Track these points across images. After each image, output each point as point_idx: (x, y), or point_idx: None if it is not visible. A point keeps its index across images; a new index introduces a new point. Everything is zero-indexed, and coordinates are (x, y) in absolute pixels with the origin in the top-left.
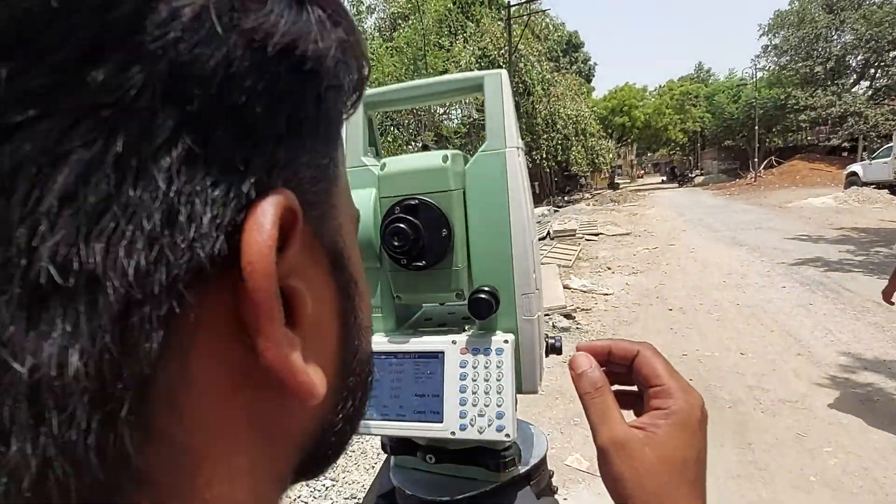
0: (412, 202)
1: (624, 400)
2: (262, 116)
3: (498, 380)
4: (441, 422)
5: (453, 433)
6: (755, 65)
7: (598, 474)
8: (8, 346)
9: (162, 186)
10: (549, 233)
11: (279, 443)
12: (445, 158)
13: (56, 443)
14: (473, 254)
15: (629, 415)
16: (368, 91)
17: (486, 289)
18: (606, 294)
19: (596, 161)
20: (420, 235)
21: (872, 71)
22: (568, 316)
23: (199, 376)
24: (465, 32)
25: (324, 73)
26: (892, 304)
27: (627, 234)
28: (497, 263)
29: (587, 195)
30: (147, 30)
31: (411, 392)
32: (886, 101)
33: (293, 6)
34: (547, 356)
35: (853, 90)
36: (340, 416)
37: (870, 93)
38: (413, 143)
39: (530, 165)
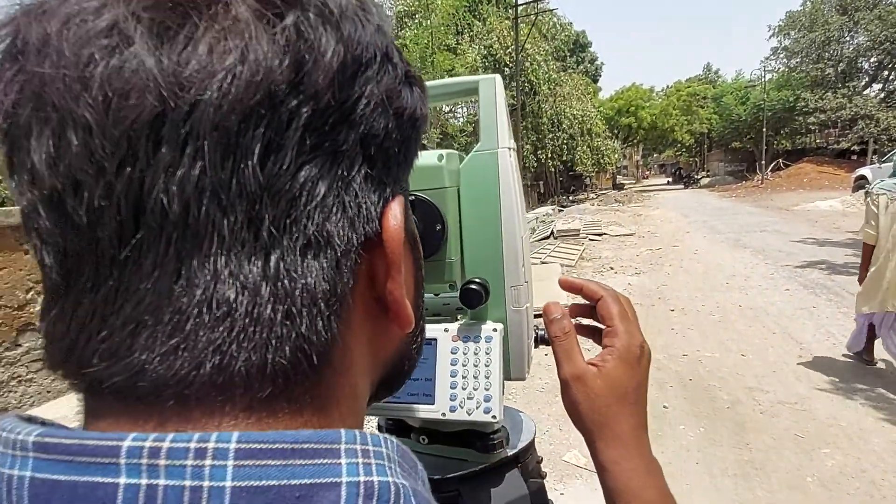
0: (409, 199)
1: (594, 336)
2: (397, 154)
3: (486, 365)
4: (433, 404)
5: (444, 414)
6: (764, 66)
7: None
8: (293, 269)
9: (357, 193)
10: (552, 232)
11: (379, 356)
12: (441, 157)
13: (310, 324)
14: (466, 247)
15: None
16: None
17: (478, 280)
18: None
19: (601, 161)
20: (415, 229)
21: (886, 73)
22: None
23: (356, 304)
24: (472, 31)
25: (422, 126)
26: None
27: (631, 234)
28: (488, 256)
29: (592, 195)
30: (357, 113)
31: None
32: None
33: (410, 88)
34: (536, 346)
35: (864, 93)
36: (413, 346)
37: (882, 95)
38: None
39: (535, 165)
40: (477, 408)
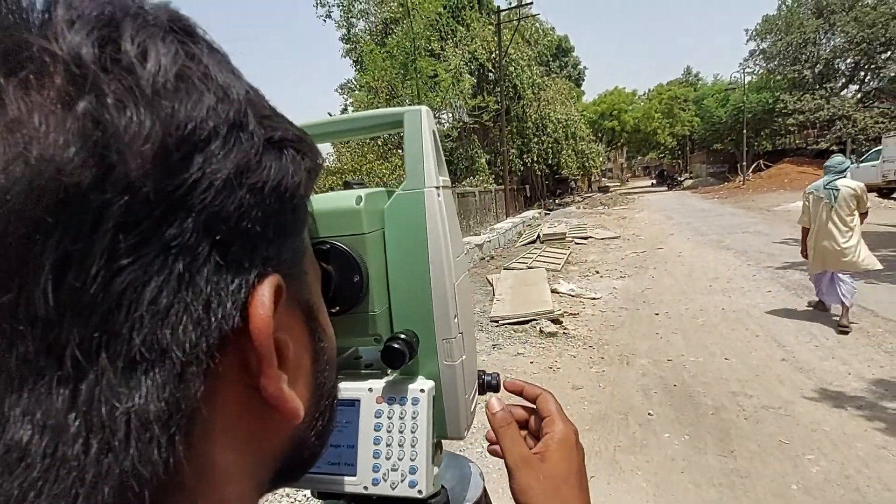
0: (323, 247)
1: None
2: (259, 232)
3: (413, 431)
4: (354, 475)
5: (366, 487)
6: (743, 69)
7: None
8: (111, 394)
9: (202, 288)
10: (539, 236)
11: (267, 450)
12: (359, 200)
13: (139, 455)
14: (394, 297)
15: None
16: None
17: (402, 336)
18: (594, 298)
19: (586, 165)
20: (330, 281)
21: (862, 74)
22: (556, 321)
23: (223, 407)
24: (456, 37)
25: (297, 193)
26: (805, 257)
27: (616, 237)
28: (417, 307)
29: (577, 198)
30: (195, 198)
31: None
32: (876, 103)
33: (276, 154)
34: (483, 394)
35: (842, 94)
36: (312, 432)
37: (859, 96)
38: (402, 147)
39: (521, 169)
40: (402, 480)
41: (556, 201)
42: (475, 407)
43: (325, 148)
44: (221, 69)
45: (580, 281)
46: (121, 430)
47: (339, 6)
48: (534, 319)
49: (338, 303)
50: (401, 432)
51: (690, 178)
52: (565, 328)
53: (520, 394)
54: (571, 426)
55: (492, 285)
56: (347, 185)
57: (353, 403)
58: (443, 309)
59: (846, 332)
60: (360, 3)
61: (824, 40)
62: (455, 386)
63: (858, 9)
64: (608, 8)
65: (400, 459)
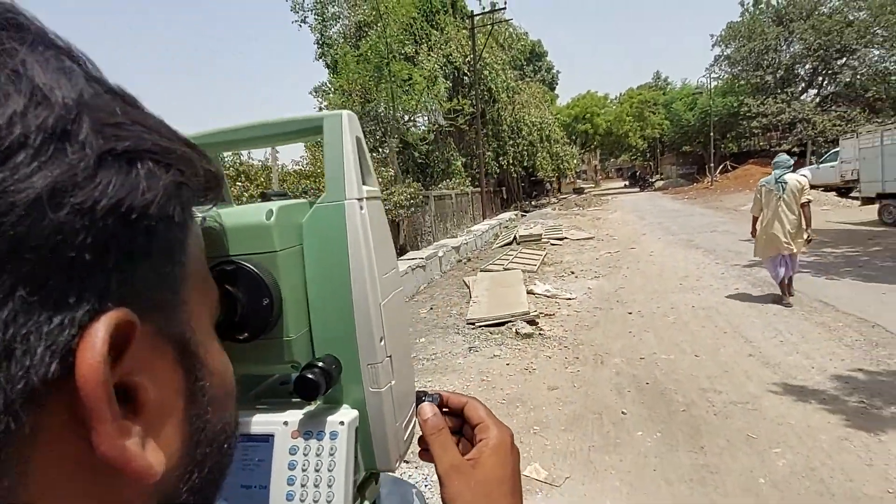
0: (226, 267)
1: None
2: (91, 260)
3: (330, 470)
4: None
5: None
6: (709, 74)
7: (557, 484)
8: None
9: (4, 329)
10: (515, 238)
11: None
12: (270, 214)
13: None
14: (315, 319)
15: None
16: (196, 133)
17: (319, 365)
18: (569, 299)
19: (561, 167)
20: (235, 305)
21: (820, 79)
22: (532, 322)
23: (47, 469)
24: (430, 41)
25: (152, 215)
26: (753, 236)
27: (591, 238)
28: (339, 330)
29: (553, 200)
30: None
31: (238, 483)
32: (834, 107)
33: (124, 168)
34: (418, 404)
35: (802, 98)
36: (186, 487)
37: (818, 100)
38: (378, 150)
39: (497, 171)
40: None
41: (533, 203)
42: (410, 434)
43: (299, 150)
44: (47, 67)
45: (556, 281)
46: None
47: (313, 11)
48: (510, 321)
49: (246, 329)
50: (317, 471)
51: (662, 179)
52: (541, 329)
53: (445, 405)
54: (506, 429)
55: (468, 287)
56: (265, 197)
57: (268, 439)
58: (367, 331)
59: (788, 301)
60: (334, 7)
61: (784, 47)
62: (382, 414)
63: (815, 17)
64: (580, 14)
65: (316, 501)
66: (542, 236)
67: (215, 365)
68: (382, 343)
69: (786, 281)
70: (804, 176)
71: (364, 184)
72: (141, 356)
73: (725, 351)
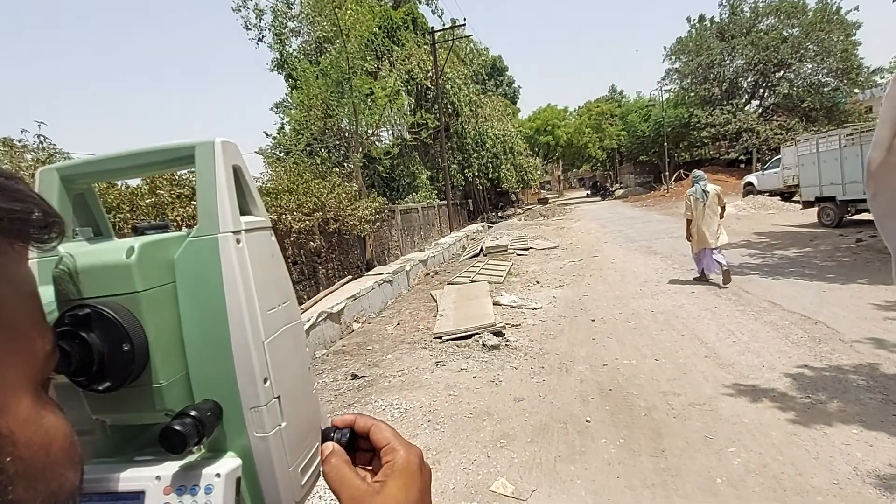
0: (81, 312)
1: (372, 463)
2: None
3: None
4: None
5: None
6: (661, 87)
7: (523, 498)
8: None
9: None
10: (482, 249)
11: None
12: (131, 252)
13: None
14: (192, 362)
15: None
16: (62, 164)
17: (192, 413)
18: (535, 308)
19: (525, 178)
20: (91, 354)
21: (762, 91)
22: (498, 333)
23: None
24: (392, 56)
25: None
26: (689, 240)
27: (555, 247)
28: (218, 373)
29: (519, 210)
30: None
31: None
32: (774, 117)
33: None
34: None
35: (746, 108)
36: None
37: (760, 110)
38: (343, 165)
39: (463, 183)
40: None
41: (499, 214)
42: (314, 475)
43: (259, 166)
44: None
45: (521, 292)
46: None
47: (270, 29)
48: (477, 333)
49: (107, 378)
50: None
51: (621, 187)
52: (507, 340)
53: (352, 425)
54: (414, 449)
55: (436, 301)
56: (137, 231)
57: (138, 496)
58: (247, 373)
59: (728, 284)
60: (292, 22)
61: (728, 61)
62: (271, 461)
63: (754, 34)
64: (537, 29)
65: None
66: (508, 247)
67: (26, 434)
68: (267, 384)
69: (718, 271)
70: (717, 186)
71: (248, 213)
72: None
73: (683, 353)
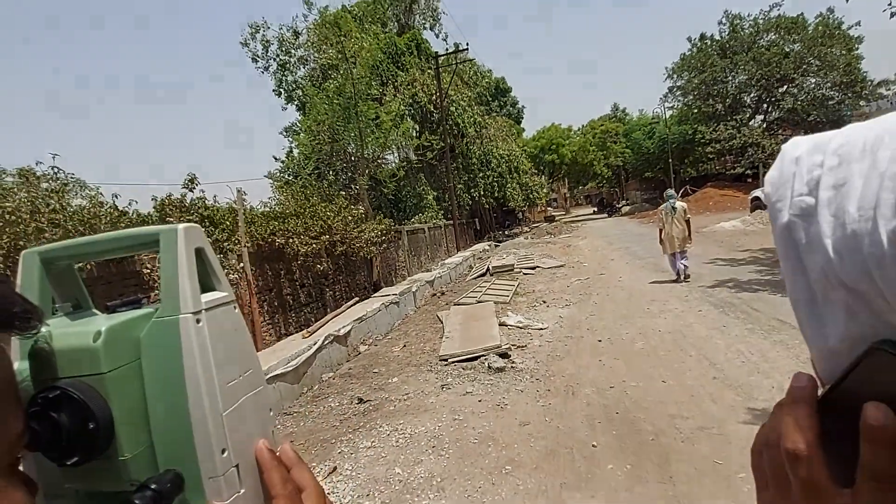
0: (51, 394)
1: None
2: None
3: None
4: None
5: None
6: (663, 104)
7: None
8: None
9: None
10: (488, 269)
11: None
12: (98, 336)
13: None
14: (156, 434)
15: None
16: (46, 248)
17: (153, 486)
18: (541, 329)
19: (531, 196)
20: (60, 433)
21: (765, 106)
22: (504, 355)
23: None
24: (397, 81)
25: None
26: (661, 244)
27: (562, 266)
28: (180, 444)
29: (525, 228)
30: None
31: None
32: (780, 131)
33: None
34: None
35: (750, 123)
36: None
37: (764, 125)
38: (349, 188)
39: (470, 203)
40: None
41: (505, 232)
42: None
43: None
44: None
45: (528, 312)
46: None
47: (275, 59)
48: (482, 355)
49: (74, 454)
50: None
51: (627, 204)
52: (513, 362)
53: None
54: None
55: (442, 322)
56: (110, 309)
57: None
58: (205, 444)
59: (688, 280)
60: (299, 51)
61: (730, 78)
62: None
63: (755, 50)
64: (539, 51)
65: None
66: (515, 266)
67: None
68: (226, 454)
69: (681, 269)
70: (684, 203)
71: (211, 289)
72: None
73: (691, 374)
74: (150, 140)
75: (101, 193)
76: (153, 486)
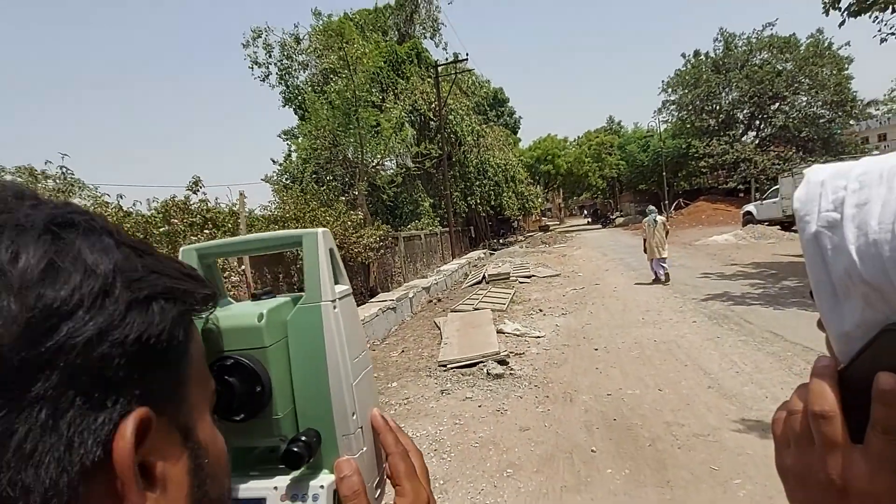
0: (226, 362)
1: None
2: (122, 376)
3: None
4: None
5: None
6: (658, 118)
7: None
8: None
9: (64, 432)
10: (484, 276)
11: None
12: (261, 318)
13: None
14: (298, 399)
15: None
16: (202, 245)
17: (303, 439)
18: (538, 337)
19: (526, 205)
20: (234, 393)
21: (757, 122)
22: (502, 362)
23: None
24: (397, 89)
25: (163, 342)
26: (645, 252)
27: (557, 275)
28: (318, 408)
29: (521, 237)
30: (60, 358)
31: None
32: (771, 147)
33: (143, 309)
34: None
35: (742, 139)
36: None
37: (756, 141)
38: (348, 193)
39: (466, 211)
40: None
41: (501, 241)
42: (381, 494)
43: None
44: (93, 249)
45: (525, 320)
46: None
47: (276, 64)
48: (481, 362)
49: (242, 411)
50: None
51: (621, 215)
52: (511, 369)
53: (379, 435)
54: (422, 495)
55: (439, 328)
56: (255, 297)
57: (261, 502)
58: (341, 408)
59: (668, 283)
60: (301, 56)
61: (724, 94)
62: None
63: (748, 68)
64: (535, 62)
65: None
66: (511, 274)
67: (212, 447)
68: (354, 417)
69: (661, 273)
70: (662, 216)
71: (337, 283)
72: (157, 442)
73: (686, 383)
74: (147, 140)
75: (107, 194)
76: (303, 439)
